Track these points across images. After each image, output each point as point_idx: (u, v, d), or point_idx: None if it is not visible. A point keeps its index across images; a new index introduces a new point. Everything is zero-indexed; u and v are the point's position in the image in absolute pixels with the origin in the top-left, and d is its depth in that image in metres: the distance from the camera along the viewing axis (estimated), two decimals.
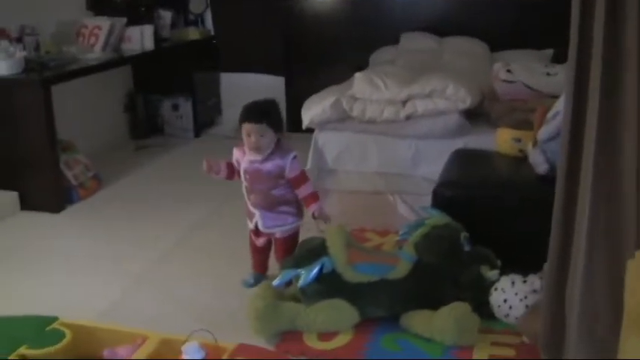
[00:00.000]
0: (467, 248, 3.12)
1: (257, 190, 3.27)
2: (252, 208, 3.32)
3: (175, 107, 6.50)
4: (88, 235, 4.22)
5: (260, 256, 3.44)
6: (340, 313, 2.95)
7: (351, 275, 2.97)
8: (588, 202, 2.35)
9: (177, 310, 3.24)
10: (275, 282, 3.01)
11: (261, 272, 3.44)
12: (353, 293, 2.96)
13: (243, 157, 3.28)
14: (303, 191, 3.26)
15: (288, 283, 3.06)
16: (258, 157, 3.21)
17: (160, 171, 5.54)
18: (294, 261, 3.06)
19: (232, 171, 3.37)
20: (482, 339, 2.87)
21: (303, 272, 2.96)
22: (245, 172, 3.28)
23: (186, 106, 6.48)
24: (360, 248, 3.19)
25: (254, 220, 3.33)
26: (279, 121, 3.25)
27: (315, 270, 2.94)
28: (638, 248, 2.33)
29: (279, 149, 3.23)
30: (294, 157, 3.24)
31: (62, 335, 2.58)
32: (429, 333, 2.86)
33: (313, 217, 3.26)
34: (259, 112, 3.19)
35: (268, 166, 3.21)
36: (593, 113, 2.33)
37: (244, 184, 3.32)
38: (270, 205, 3.26)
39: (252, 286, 3.36)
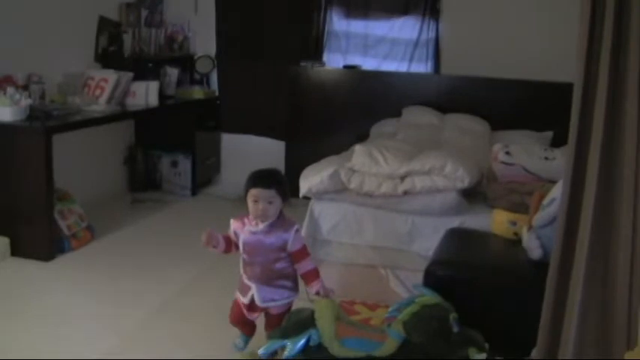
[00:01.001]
0: (455, 329, 3.09)
1: (256, 263, 3.18)
2: (247, 282, 3.22)
3: (174, 164, 6.53)
4: (75, 287, 4.19)
5: (248, 325, 3.37)
6: None
7: (337, 350, 2.93)
8: (580, 291, 2.35)
9: None
10: (261, 351, 2.96)
11: (249, 335, 3.37)
12: None
13: (242, 229, 3.20)
14: (303, 267, 3.20)
15: (274, 354, 3.02)
16: (260, 228, 3.14)
17: (154, 227, 5.53)
18: (282, 331, 3.02)
19: (230, 245, 3.27)
20: None
21: (289, 343, 2.92)
22: (245, 243, 3.19)
23: (185, 164, 6.50)
24: (349, 322, 3.16)
25: (249, 294, 3.21)
26: (287, 189, 3.19)
27: (302, 342, 2.91)
28: (629, 343, 2.32)
29: (282, 221, 3.17)
30: (297, 230, 3.19)
31: None
32: None
33: (317, 294, 3.18)
34: (269, 178, 3.16)
35: (271, 238, 3.14)
36: (589, 201, 2.34)
37: (243, 256, 3.23)
38: (268, 279, 3.17)
39: (242, 349, 3.32)
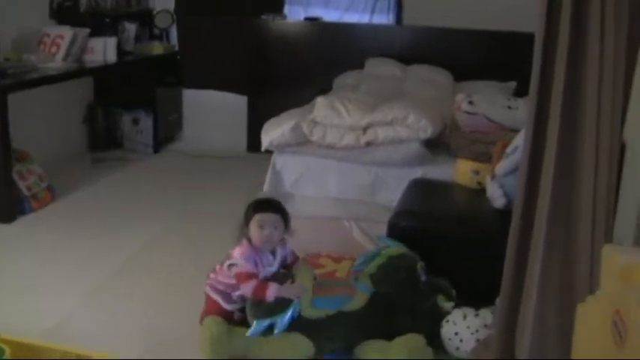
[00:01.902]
0: (423, 278, 3.11)
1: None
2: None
3: (136, 121, 6.43)
4: (37, 248, 4.12)
5: None
6: (296, 347, 2.89)
7: (309, 311, 2.92)
8: (542, 240, 2.35)
9: (125, 331, 3.16)
10: (249, 332, 2.89)
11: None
12: (310, 327, 2.90)
13: (256, 268, 3.01)
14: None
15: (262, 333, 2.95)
16: (275, 266, 3.06)
17: (116, 186, 5.46)
18: (267, 310, 2.91)
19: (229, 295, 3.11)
20: None
21: (278, 320, 2.87)
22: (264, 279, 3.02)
23: (146, 121, 6.41)
24: (319, 283, 3.14)
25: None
26: (288, 216, 3.13)
27: (288, 316, 2.87)
28: (591, 290, 2.33)
29: (281, 244, 3.12)
30: (290, 249, 3.19)
31: (2, 352, 2.48)
32: None
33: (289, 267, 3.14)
34: (274, 204, 3.10)
35: (280, 262, 3.10)
36: (551, 149, 2.33)
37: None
38: None
39: None
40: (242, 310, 3.06)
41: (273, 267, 3.06)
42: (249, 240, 3.03)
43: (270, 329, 2.88)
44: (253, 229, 3.02)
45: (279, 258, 3.09)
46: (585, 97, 2.30)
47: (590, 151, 2.30)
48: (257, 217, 3.02)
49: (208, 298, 3.13)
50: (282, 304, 2.90)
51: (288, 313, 2.88)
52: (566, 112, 2.31)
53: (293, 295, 2.92)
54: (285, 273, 3.05)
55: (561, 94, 2.30)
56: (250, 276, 2.96)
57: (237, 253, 3.03)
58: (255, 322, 2.91)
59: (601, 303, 1.47)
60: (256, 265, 3.01)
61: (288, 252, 3.16)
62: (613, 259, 1.45)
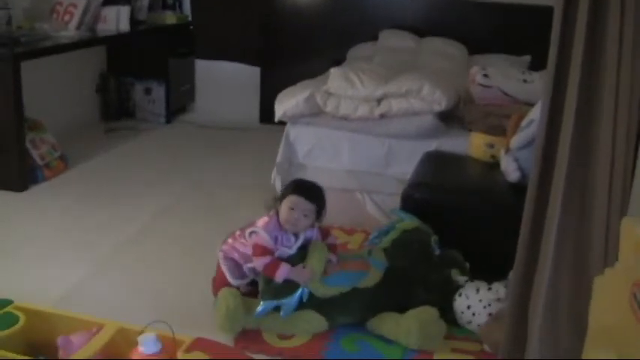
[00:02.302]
0: (437, 252, 3.11)
1: None
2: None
3: (148, 91, 6.42)
4: (50, 217, 4.13)
5: None
6: (310, 322, 2.91)
7: (322, 291, 2.92)
8: (558, 213, 2.34)
9: (137, 300, 3.18)
10: (255, 313, 2.89)
11: None
12: (324, 305, 2.91)
13: (274, 245, 2.97)
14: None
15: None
16: (294, 249, 3.00)
17: (128, 155, 5.46)
18: (274, 292, 2.91)
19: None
20: (443, 345, 2.85)
21: (284, 302, 2.87)
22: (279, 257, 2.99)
23: (159, 91, 6.40)
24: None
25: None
26: (324, 212, 3.07)
27: (295, 299, 2.87)
28: (606, 265, 2.32)
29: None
30: (317, 227, 3.09)
31: (16, 319, 2.50)
32: (395, 335, 2.85)
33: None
34: (314, 192, 3.04)
35: (297, 247, 3.03)
36: (568, 122, 2.31)
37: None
38: None
39: None
40: (250, 283, 3.07)
41: (292, 250, 3.01)
42: (278, 214, 3.00)
43: (277, 310, 2.90)
44: (284, 207, 2.98)
45: (300, 242, 3.02)
46: (604, 71, 2.28)
47: (607, 126, 2.28)
48: (291, 198, 2.98)
49: (218, 267, 3.13)
50: (290, 286, 2.89)
51: (295, 297, 2.87)
52: (584, 86, 2.29)
53: (302, 280, 2.89)
54: (303, 254, 2.99)
55: (579, 69, 2.28)
56: (266, 251, 2.94)
57: (262, 223, 3.00)
58: (261, 303, 2.91)
59: (619, 275, 1.46)
60: (276, 241, 2.98)
61: (314, 234, 3.07)
62: (631, 231, 1.44)
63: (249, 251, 3.01)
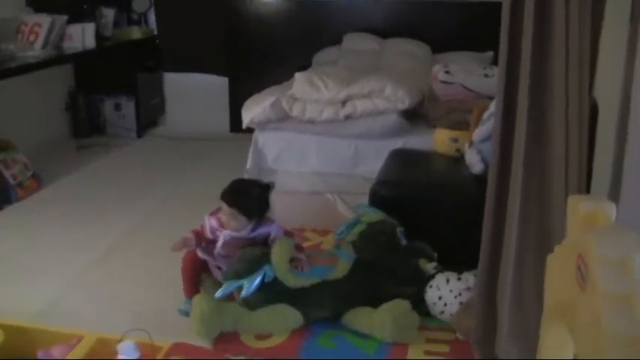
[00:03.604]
0: (403, 242, 3.17)
1: (233, 256, 3.16)
2: (220, 264, 3.22)
3: (118, 107, 6.43)
4: (24, 236, 4.14)
5: (197, 278, 3.29)
6: (284, 316, 2.96)
7: (292, 281, 2.99)
8: (518, 197, 2.41)
9: (114, 311, 3.21)
10: (218, 294, 2.95)
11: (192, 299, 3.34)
12: (296, 297, 2.97)
13: (221, 231, 3.18)
14: None
15: (230, 295, 3.02)
16: (243, 234, 3.15)
17: (101, 171, 5.48)
18: (235, 272, 3.02)
19: (200, 239, 3.22)
20: (418, 336, 2.91)
21: (245, 283, 2.93)
22: (225, 243, 3.17)
23: (128, 106, 6.41)
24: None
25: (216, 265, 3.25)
26: (254, 208, 3.17)
27: (258, 280, 2.93)
28: None
29: (262, 222, 3.20)
30: (277, 225, 3.21)
31: None
32: (369, 329, 2.90)
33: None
34: (235, 195, 3.16)
35: (253, 234, 3.17)
36: (522, 110, 2.38)
37: (218, 251, 3.19)
38: None
39: (188, 314, 3.27)
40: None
41: (240, 234, 3.15)
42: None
43: (266, 296, 2.96)
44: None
45: (247, 232, 3.15)
46: (553, 57, 2.35)
47: (559, 110, 2.35)
48: (222, 203, 3.15)
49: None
50: (252, 267, 2.97)
51: (257, 278, 2.93)
52: (535, 73, 2.36)
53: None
54: (267, 252, 3.07)
55: (529, 56, 2.35)
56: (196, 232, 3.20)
57: (212, 218, 3.21)
58: (224, 284, 2.98)
59: (565, 250, 1.53)
60: (213, 233, 3.18)
61: (273, 230, 3.18)
62: (576, 207, 1.51)
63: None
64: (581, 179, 2.37)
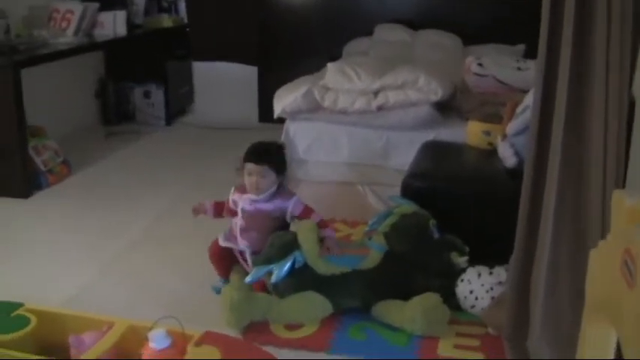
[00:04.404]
0: (436, 235, 3.14)
1: (254, 229, 3.22)
2: (241, 245, 3.26)
3: (147, 95, 6.46)
4: (55, 221, 4.18)
5: (227, 262, 3.35)
6: (313, 305, 2.96)
7: (323, 268, 2.99)
8: (555, 193, 2.37)
9: (145, 298, 3.22)
10: (247, 279, 2.98)
11: (226, 278, 3.36)
12: (325, 285, 2.97)
13: (241, 197, 3.27)
14: (314, 219, 3.24)
15: (260, 280, 3.04)
16: (261, 197, 3.21)
17: (130, 158, 5.51)
18: (266, 257, 3.03)
19: (220, 210, 3.38)
20: (448, 329, 2.89)
21: (275, 268, 2.94)
22: (243, 211, 3.24)
23: (158, 94, 6.44)
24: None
25: (240, 249, 3.29)
26: (282, 164, 3.28)
27: (288, 265, 2.93)
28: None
29: (282, 193, 3.25)
30: (297, 198, 3.26)
31: (27, 321, 2.54)
32: (400, 322, 2.89)
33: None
34: (262, 153, 3.24)
35: (270, 206, 3.21)
36: (561, 104, 2.35)
37: (239, 223, 3.26)
38: (263, 246, 3.17)
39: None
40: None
41: (258, 199, 3.21)
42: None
43: (293, 285, 2.97)
44: (245, 176, 3.22)
45: (267, 196, 3.21)
46: (594, 53, 2.31)
47: (599, 105, 2.32)
48: (246, 166, 3.21)
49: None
50: (282, 252, 2.98)
51: (288, 263, 2.93)
52: (574, 68, 2.33)
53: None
54: (293, 237, 3.09)
55: (570, 51, 2.31)
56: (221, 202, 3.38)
57: (236, 191, 3.33)
58: (253, 269, 3.01)
59: (610, 245, 1.50)
60: (235, 204, 3.29)
61: (291, 204, 3.22)
62: (621, 202, 1.48)
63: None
64: (619, 175, 2.34)
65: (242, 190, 3.28)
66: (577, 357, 1.69)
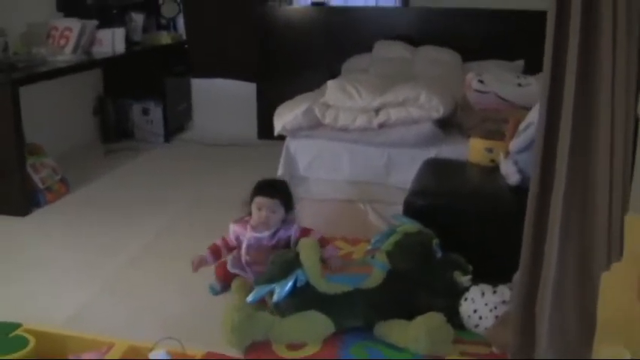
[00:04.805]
0: (439, 254, 3.12)
1: (257, 264, 3.24)
2: (250, 275, 3.29)
3: (146, 112, 6.44)
4: (54, 240, 4.14)
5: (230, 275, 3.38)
6: (315, 324, 2.93)
7: (325, 287, 2.96)
8: (560, 212, 2.35)
9: (145, 318, 3.18)
10: (249, 298, 2.95)
11: (227, 282, 3.38)
12: (327, 304, 2.94)
13: (244, 232, 3.28)
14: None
15: (262, 300, 3.01)
16: (265, 235, 3.23)
17: (129, 176, 5.48)
18: (268, 276, 3.01)
19: (218, 254, 3.36)
20: (452, 349, 2.85)
21: (277, 287, 2.91)
22: (249, 247, 3.26)
23: (156, 111, 6.42)
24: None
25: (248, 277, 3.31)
26: (290, 200, 3.33)
27: (290, 284, 2.90)
28: (610, 261, 2.34)
29: (284, 224, 3.28)
30: (297, 225, 3.31)
31: (26, 342, 2.51)
32: (404, 342, 2.85)
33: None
34: (274, 188, 3.29)
35: (274, 241, 3.24)
36: (567, 123, 2.33)
37: (244, 258, 3.29)
38: None
39: (217, 293, 3.33)
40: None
41: (263, 234, 3.24)
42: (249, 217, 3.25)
43: (297, 303, 2.94)
44: (253, 210, 3.23)
45: (271, 232, 3.25)
46: (600, 71, 2.30)
47: (605, 125, 2.30)
48: (256, 200, 3.22)
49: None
50: (284, 271, 2.96)
51: (290, 282, 2.90)
52: (580, 85, 2.31)
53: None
54: (294, 256, 3.07)
55: (575, 69, 2.30)
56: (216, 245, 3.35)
57: (236, 224, 3.33)
58: (255, 288, 2.98)
59: (625, 268, 1.48)
60: (237, 240, 3.31)
61: (293, 231, 3.26)
62: (635, 226, 1.46)
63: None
64: (625, 190, 2.32)
65: (243, 224, 3.29)
66: None
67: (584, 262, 2.38)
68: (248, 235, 3.24)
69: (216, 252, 3.34)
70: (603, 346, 1.56)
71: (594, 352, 1.64)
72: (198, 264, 3.29)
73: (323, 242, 3.21)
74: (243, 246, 3.26)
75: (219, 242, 3.35)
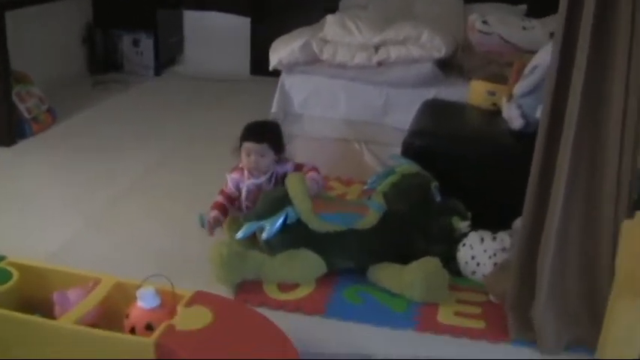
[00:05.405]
0: (437, 198, 3.04)
1: None
2: None
3: (136, 43, 6.27)
4: (39, 171, 4.05)
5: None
6: (307, 263, 2.87)
7: (317, 225, 2.87)
8: (567, 166, 2.29)
9: (132, 253, 3.12)
10: (238, 234, 2.90)
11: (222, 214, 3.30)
12: (320, 243, 2.87)
13: (242, 179, 3.22)
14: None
15: (252, 236, 2.94)
16: (262, 180, 3.19)
17: (117, 109, 5.36)
18: (257, 213, 2.96)
19: (225, 209, 3.23)
20: (448, 296, 2.80)
21: (266, 224, 2.85)
22: (249, 192, 3.22)
23: (147, 43, 6.26)
24: (327, 198, 3.09)
25: None
26: (281, 142, 3.26)
27: (280, 221, 2.84)
28: (617, 210, 2.28)
29: (278, 163, 3.23)
30: (293, 162, 3.27)
31: (9, 275, 2.44)
32: (398, 288, 2.79)
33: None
34: (261, 132, 3.20)
35: (272, 183, 3.20)
36: (579, 74, 2.26)
37: (245, 203, 3.23)
38: None
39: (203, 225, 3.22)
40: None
41: (260, 180, 3.20)
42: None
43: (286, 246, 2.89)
44: (242, 156, 3.18)
45: (268, 176, 3.20)
46: (617, 22, 2.24)
47: (621, 64, 2.24)
48: (244, 145, 3.17)
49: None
50: (273, 208, 2.90)
51: (279, 219, 2.84)
52: (596, 34, 2.26)
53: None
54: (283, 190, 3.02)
55: (592, 10, 2.21)
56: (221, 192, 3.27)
57: (232, 173, 3.26)
58: (245, 225, 2.92)
59: None
60: (237, 187, 3.24)
61: (288, 168, 3.22)
62: None
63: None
64: (636, 149, 2.26)
65: (240, 171, 3.23)
66: (603, 332, 1.59)
67: (589, 217, 2.34)
68: (247, 182, 3.19)
69: (222, 209, 3.22)
70: (621, 301, 1.49)
71: (610, 304, 1.57)
72: (215, 223, 3.14)
73: (303, 169, 3.20)
74: (243, 192, 3.21)
75: (220, 199, 3.24)
